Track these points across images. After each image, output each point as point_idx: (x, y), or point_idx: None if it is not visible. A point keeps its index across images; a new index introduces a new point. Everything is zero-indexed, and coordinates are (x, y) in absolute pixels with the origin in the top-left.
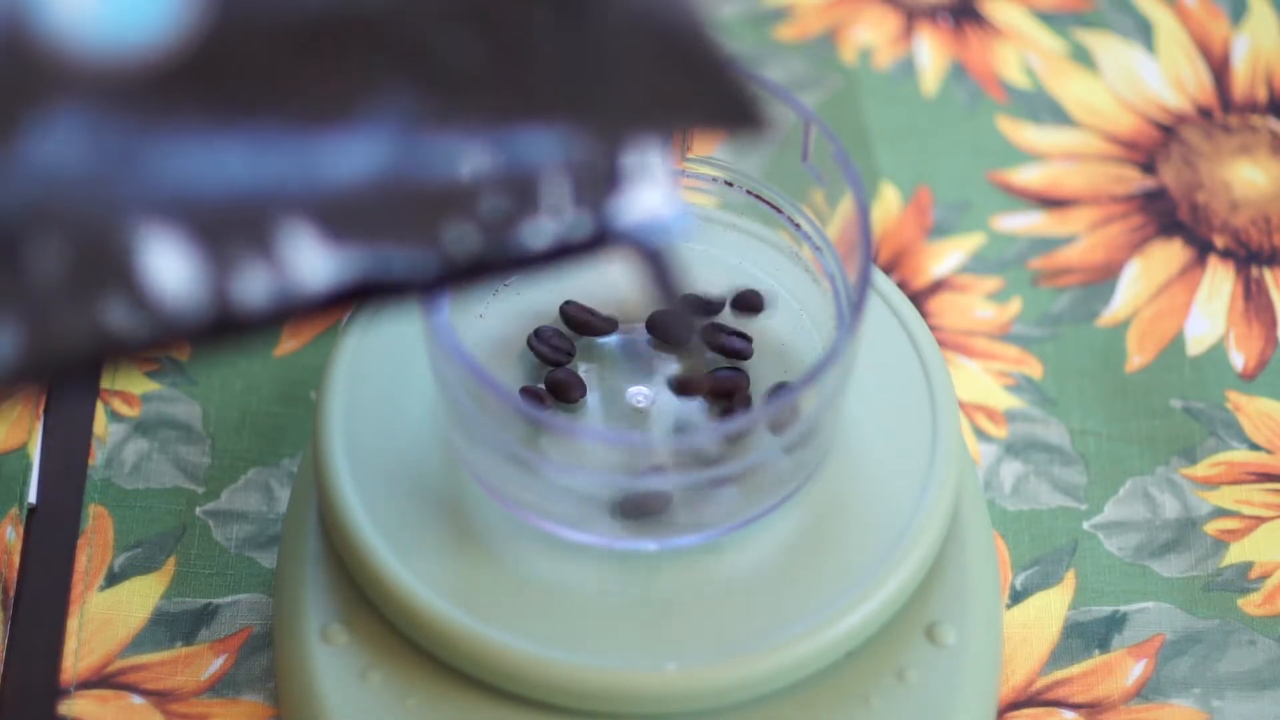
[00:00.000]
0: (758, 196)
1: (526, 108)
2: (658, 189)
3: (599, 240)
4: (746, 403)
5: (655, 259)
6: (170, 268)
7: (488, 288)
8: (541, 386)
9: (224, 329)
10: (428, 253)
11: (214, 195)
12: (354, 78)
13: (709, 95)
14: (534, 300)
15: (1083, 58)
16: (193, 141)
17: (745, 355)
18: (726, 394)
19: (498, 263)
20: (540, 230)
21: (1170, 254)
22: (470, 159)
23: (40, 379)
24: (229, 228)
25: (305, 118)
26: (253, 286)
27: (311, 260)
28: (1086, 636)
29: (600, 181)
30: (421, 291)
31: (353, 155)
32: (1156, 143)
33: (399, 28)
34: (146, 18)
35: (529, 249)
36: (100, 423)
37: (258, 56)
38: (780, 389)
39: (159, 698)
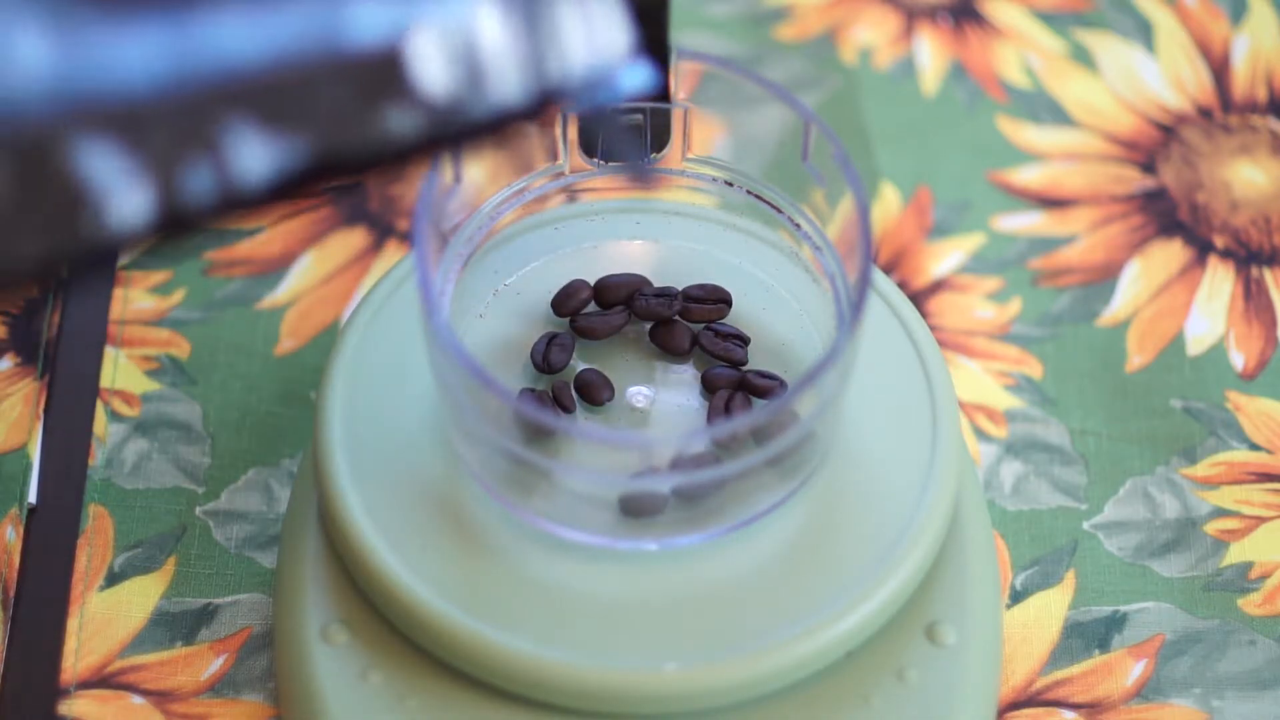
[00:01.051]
0: (758, 196)
1: None
2: (595, 47)
3: (542, 105)
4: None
5: (608, 120)
6: (113, 174)
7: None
8: (542, 388)
9: (174, 224)
10: (375, 128)
11: (150, 90)
12: None
13: None
14: (534, 300)
15: (1083, 58)
16: (116, 29)
17: (742, 362)
18: (760, 394)
19: (444, 138)
20: (482, 99)
21: (1170, 254)
22: (415, 21)
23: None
24: (167, 123)
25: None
26: (196, 179)
27: (253, 149)
28: (1086, 636)
29: (541, 43)
30: (372, 169)
31: (276, 30)
32: (1156, 143)
33: None
34: None
35: (473, 120)
36: (100, 423)
37: None
38: (780, 389)
39: (159, 698)
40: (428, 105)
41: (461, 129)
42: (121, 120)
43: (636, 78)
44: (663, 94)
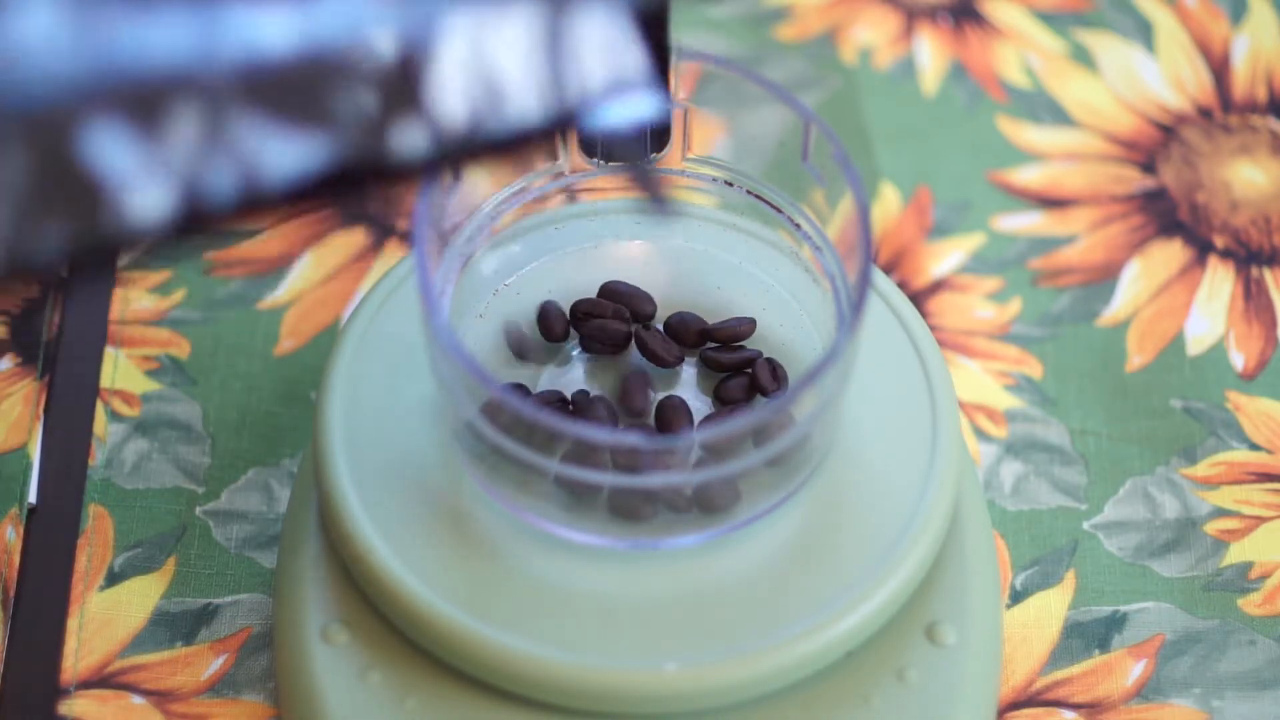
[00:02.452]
0: (758, 196)
1: None
2: (609, 64)
3: (560, 123)
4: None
5: (639, 170)
6: (130, 166)
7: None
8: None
9: (190, 226)
10: (389, 141)
11: (170, 78)
12: None
13: None
14: (534, 300)
15: (1083, 58)
16: (137, 20)
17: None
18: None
19: (462, 151)
20: (496, 115)
21: (1170, 254)
22: (430, 40)
23: (11, 279)
24: (184, 114)
25: None
26: (213, 175)
27: (269, 148)
28: (1086, 636)
29: (557, 61)
30: (385, 180)
31: (309, 34)
32: (1156, 143)
33: None
34: None
35: (487, 136)
36: (100, 423)
37: None
38: (780, 389)
39: (159, 698)
40: (443, 122)
41: (477, 146)
42: (139, 109)
43: (645, 103)
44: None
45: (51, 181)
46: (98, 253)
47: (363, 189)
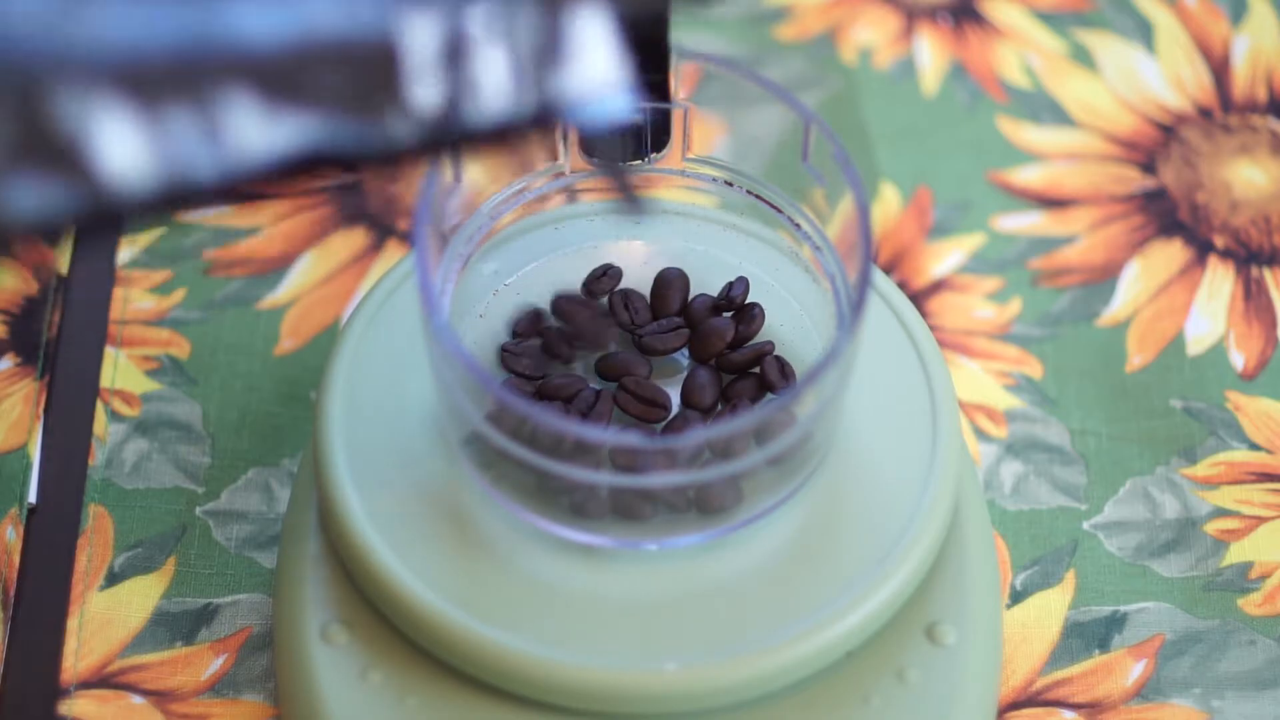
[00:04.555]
0: (758, 196)
1: None
2: (597, 61)
3: (542, 117)
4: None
5: (612, 166)
6: (113, 136)
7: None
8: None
9: (173, 200)
10: (371, 125)
11: (154, 58)
12: None
13: None
14: (534, 300)
15: (1083, 58)
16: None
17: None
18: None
19: (442, 140)
20: (484, 106)
21: (1170, 254)
22: (414, 27)
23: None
24: (170, 92)
25: None
26: (197, 154)
27: (253, 127)
28: (1086, 636)
29: (543, 55)
30: (368, 165)
31: (295, 17)
32: (1156, 143)
33: None
34: None
35: (473, 126)
36: (100, 423)
37: None
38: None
39: (159, 698)
40: (421, 110)
41: (458, 135)
42: (122, 76)
43: (619, 104)
44: (663, 94)
45: (32, 143)
46: (86, 221)
47: (347, 173)
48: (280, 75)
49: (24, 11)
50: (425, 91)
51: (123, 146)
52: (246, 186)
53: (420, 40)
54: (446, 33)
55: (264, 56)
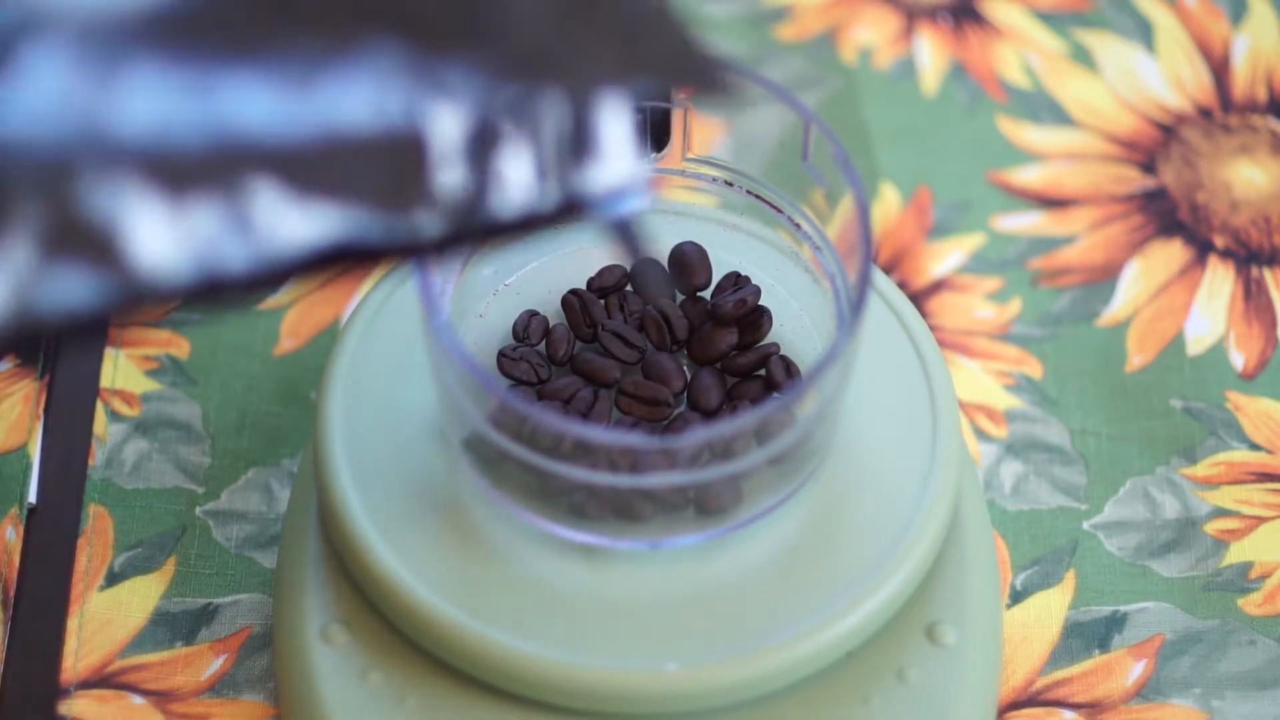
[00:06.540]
0: (758, 196)
1: (498, 68)
2: (622, 157)
3: (566, 211)
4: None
5: (622, 226)
6: (146, 229)
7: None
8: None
9: (205, 292)
10: (398, 218)
11: (181, 149)
12: (327, 32)
13: (670, 58)
14: (534, 300)
15: (1083, 58)
16: (166, 91)
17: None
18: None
19: (467, 233)
20: (509, 200)
21: (1170, 254)
22: (440, 122)
23: (22, 344)
24: (198, 183)
25: (278, 71)
26: (227, 246)
27: (283, 220)
28: (1086, 636)
29: (567, 150)
30: (393, 258)
31: (323, 110)
32: (1156, 143)
33: None
34: None
35: (498, 219)
36: (100, 423)
37: (236, 11)
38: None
39: (159, 698)
40: (446, 202)
41: (482, 228)
42: (150, 167)
43: (640, 199)
44: (662, 94)
45: (63, 236)
46: (116, 313)
47: (372, 263)
48: (307, 166)
49: (49, 102)
50: (450, 183)
51: (152, 237)
52: (274, 278)
53: (445, 132)
54: (472, 125)
55: (291, 148)
